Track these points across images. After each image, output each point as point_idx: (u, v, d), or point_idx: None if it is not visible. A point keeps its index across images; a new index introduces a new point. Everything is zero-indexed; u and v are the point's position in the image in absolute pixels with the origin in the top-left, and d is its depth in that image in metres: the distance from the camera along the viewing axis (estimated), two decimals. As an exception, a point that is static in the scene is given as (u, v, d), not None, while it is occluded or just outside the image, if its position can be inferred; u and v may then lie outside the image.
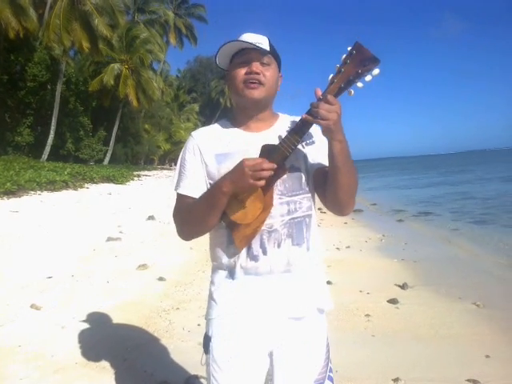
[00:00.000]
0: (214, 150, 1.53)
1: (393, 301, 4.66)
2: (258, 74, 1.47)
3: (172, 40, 49.11)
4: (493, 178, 29.34)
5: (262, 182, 1.35)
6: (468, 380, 3.00)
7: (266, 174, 1.34)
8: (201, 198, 1.49)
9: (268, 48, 1.49)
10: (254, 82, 1.47)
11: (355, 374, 3.10)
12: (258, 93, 1.48)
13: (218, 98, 61.83)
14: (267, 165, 1.34)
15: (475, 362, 3.31)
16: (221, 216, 1.45)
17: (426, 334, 3.86)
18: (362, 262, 6.57)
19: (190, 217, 1.51)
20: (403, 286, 5.21)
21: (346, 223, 10.46)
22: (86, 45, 23.33)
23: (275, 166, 1.36)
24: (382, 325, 4.07)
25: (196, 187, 1.52)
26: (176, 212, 1.57)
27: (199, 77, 66.43)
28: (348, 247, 7.72)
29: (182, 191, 1.55)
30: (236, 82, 1.50)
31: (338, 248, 7.55)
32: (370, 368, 3.22)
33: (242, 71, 1.48)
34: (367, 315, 4.28)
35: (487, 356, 3.39)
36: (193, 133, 1.61)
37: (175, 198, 1.59)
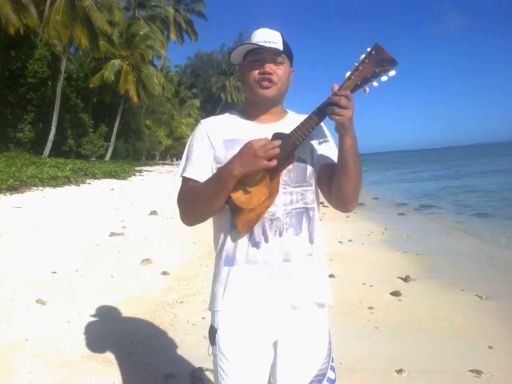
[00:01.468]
0: (222, 136, 1.55)
1: (395, 293, 4.68)
2: (270, 74, 1.50)
3: (172, 36, 48.99)
4: (494, 171, 29.30)
5: (275, 162, 1.39)
6: (471, 371, 3.02)
7: (277, 151, 1.38)
8: (208, 181, 1.50)
9: (281, 45, 1.51)
10: (266, 81, 1.50)
11: (359, 365, 3.12)
12: (270, 92, 1.52)
13: (218, 93, 61.73)
14: (276, 142, 1.39)
15: (478, 353, 3.33)
16: (225, 201, 1.47)
17: (429, 326, 3.88)
18: (365, 255, 6.59)
19: (196, 200, 1.51)
20: (406, 279, 5.23)
21: (348, 217, 10.46)
22: (85, 41, 23.28)
23: (280, 142, 1.40)
24: (385, 317, 4.09)
25: (202, 171, 1.54)
26: (181, 196, 1.58)
27: (200, 72, 66.25)
28: (350, 241, 7.73)
29: (187, 175, 1.55)
30: (249, 80, 1.52)
31: (340, 241, 7.57)
32: (373, 360, 3.25)
33: (256, 71, 1.51)
34: (370, 308, 4.30)
35: (490, 347, 3.40)
36: (202, 120, 1.64)
37: (180, 182, 1.59)
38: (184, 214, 1.57)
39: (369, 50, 1.40)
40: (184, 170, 1.57)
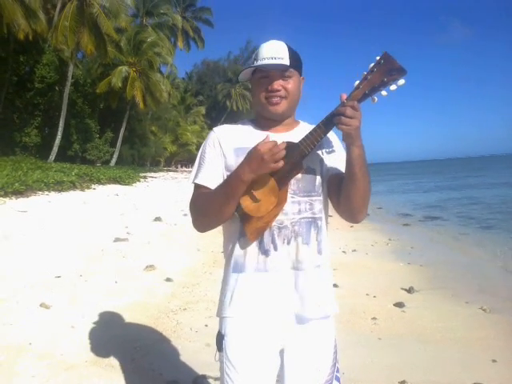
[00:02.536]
0: (233, 144, 1.57)
1: (399, 304, 4.67)
2: (279, 90, 1.51)
3: (179, 43, 49.30)
4: (499, 183, 29.20)
5: (282, 163, 1.38)
6: (474, 384, 3.01)
7: (283, 152, 1.37)
8: (218, 187, 1.51)
9: (288, 59, 1.51)
10: (277, 98, 1.52)
11: (362, 376, 3.11)
12: (280, 107, 1.54)
13: (224, 100, 61.95)
14: (280, 144, 1.38)
15: (481, 366, 3.32)
16: (235, 208, 1.48)
17: (433, 338, 3.87)
18: (369, 266, 6.58)
19: (207, 207, 1.53)
20: (409, 290, 5.22)
21: (351, 227, 10.42)
22: (91, 47, 23.46)
23: (285, 144, 1.39)
24: (388, 328, 4.09)
25: (213, 178, 1.55)
26: (192, 203, 1.60)
27: (206, 80, 66.56)
28: (354, 251, 7.73)
29: (199, 181, 1.57)
30: (259, 96, 1.55)
31: (344, 251, 7.56)
32: (376, 371, 3.24)
33: (264, 87, 1.53)
34: (374, 318, 4.29)
35: (493, 360, 3.39)
36: (215, 128, 1.66)
37: (192, 189, 1.62)
38: (196, 220, 1.59)
39: (378, 58, 1.41)
40: (196, 177, 1.59)
